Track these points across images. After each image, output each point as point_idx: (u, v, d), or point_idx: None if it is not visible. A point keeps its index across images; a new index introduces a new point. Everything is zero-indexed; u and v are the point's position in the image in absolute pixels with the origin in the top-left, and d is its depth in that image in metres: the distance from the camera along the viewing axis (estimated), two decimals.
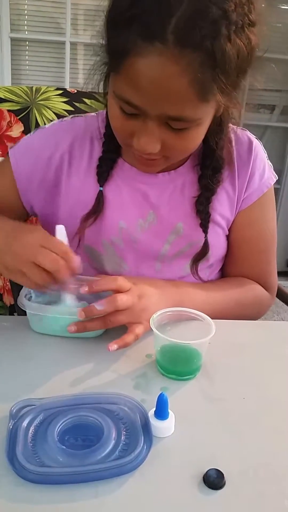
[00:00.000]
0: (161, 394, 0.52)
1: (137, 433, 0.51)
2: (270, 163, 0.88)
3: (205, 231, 0.82)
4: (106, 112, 0.80)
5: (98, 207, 0.81)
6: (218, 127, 0.75)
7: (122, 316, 0.66)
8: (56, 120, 0.88)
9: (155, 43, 0.56)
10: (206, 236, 0.83)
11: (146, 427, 0.52)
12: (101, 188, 0.82)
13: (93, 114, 0.88)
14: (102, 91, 0.73)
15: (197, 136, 0.69)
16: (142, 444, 0.49)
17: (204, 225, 0.82)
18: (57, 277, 0.62)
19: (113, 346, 0.64)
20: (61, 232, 0.68)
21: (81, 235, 0.83)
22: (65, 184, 0.83)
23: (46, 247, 0.63)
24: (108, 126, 0.80)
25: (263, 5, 0.61)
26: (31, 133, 0.87)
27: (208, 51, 0.56)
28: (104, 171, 0.81)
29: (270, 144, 2.94)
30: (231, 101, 0.66)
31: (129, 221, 0.83)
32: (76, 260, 0.64)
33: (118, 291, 0.67)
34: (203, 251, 0.83)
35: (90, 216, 0.81)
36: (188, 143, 0.69)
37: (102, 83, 0.72)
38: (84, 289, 0.65)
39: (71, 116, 0.88)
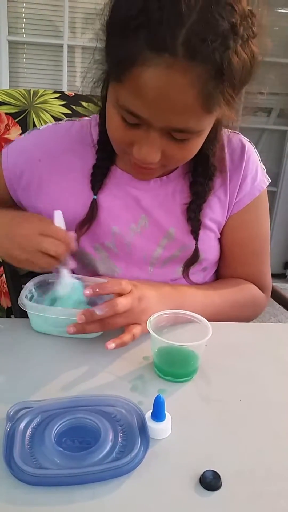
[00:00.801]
0: (158, 396, 0.52)
1: (134, 435, 0.51)
2: (263, 166, 0.88)
3: (195, 238, 0.83)
4: (100, 118, 0.80)
5: (92, 215, 0.81)
6: (212, 135, 0.75)
7: (121, 318, 0.67)
8: (51, 123, 0.88)
9: (164, 54, 0.55)
10: (196, 243, 0.83)
11: (143, 429, 0.52)
12: (95, 197, 0.81)
13: (87, 118, 0.87)
14: (99, 95, 0.73)
15: (197, 146, 0.69)
16: (139, 446, 0.49)
17: (195, 232, 0.82)
18: (61, 259, 0.69)
19: (111, 344, 0.64)
20: (59, 216, 0.73)
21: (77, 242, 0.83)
22: (53, 189, 0.83)
23: (47, 235, 0.68)
24: (102, 132, 0.79)
25: (264, 15, 0.61)
26: (26, 133, 0.87)
27: (216, 64, 0.55)
28: (98, 180, 0.81)
29: (267, 147, 2.95)
30: (232, 111, 0.65)
31: (121, 225, 0.83)
32: (73, 241, 0.70)
33: (120, 294, 0.67)
34: (194, 257, 0.84)
35: (84, 224, 0.82)
36: (188, 153, 0.69)
37: (98, 89, 0.72)
38: (88, 292, 0.65)
39: (65, 119, 0.88)
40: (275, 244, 0.86)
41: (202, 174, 0.80)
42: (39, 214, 0.78)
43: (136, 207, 0.82)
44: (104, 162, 0.81)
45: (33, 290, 0.77)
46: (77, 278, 0.77)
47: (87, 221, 0.82)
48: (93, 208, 0.81)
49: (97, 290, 0.66)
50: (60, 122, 0.88)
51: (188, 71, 0.55)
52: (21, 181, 0.84)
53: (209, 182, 0.81)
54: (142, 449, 0.49)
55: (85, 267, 0.86)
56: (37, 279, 0.78)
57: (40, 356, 0.68)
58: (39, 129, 0.87)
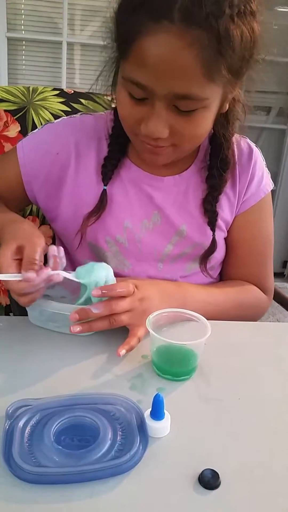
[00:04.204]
0: (157, 394, 0.52)
1: (133, 434, 0.51)
2: (268, 171, 0.91)
3: (212, 229, 0.85)
4: (113, 112, 0.82)
5: (101, 206, 0.82)
6: (225, 125, 0.78)
7: (125, 316, 0.67)
8: (65, 117, 0.89)
9: (162, 21, 0.58)
10: (214, 234, 0.85)
11: (142, 427, 0.52)
12: (105, 187, 0.82)
13: (102, 113, 0.88)
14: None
15: (204, 121, 0.69)
16: (138, 445, 0.49)
17: (212, 223, 0.84)
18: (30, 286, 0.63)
19: (122, 351, 0.65)
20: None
21: (83, 233, 0.84)
22: (70, 181, 0.84)
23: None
24: (114, 125, 0.82)
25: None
26: (39, 128, 0.87)
27: (213, 30, 0.58)
28: (108, 170, 0.82)
29: (266, 146, 2.95)
30: (235, 89, 0.69)
31: (134, 221, 0.84)
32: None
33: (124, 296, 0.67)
34: (211, 249, 0.86)
35: (92, 215, 0.82)
36: (196, 127, 0.69)
37: (111, 80, 0.74)
38: (96, 293, 0.65)
39: (80, 113, 0.89)
40: (274, 243, 0.86)
41: (217, 167, 0.82)
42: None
43: (149, 204, 0.84)
44: (115, 154, 0.83)
45: None
46: None
47: (96, 211, 0.82)
48: (103, 199, 0.82)
49: (105, 291, 0.66)
50: (74, 115, 0.88)
51: (185, 35, 0.58)
52: (39, 176, 0.84)
53: (224, 173, 0.83)
54: (141, 447, 0.49)
55: (97, 260, 0.87)
56: None
57: (39, 354, 0.68)
58: (53, 122, 0.87)
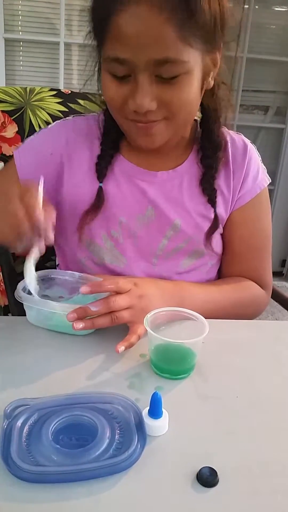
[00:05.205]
0: (155, 393, 0.52)
1: (131, 432, 0.51)
2: (264, 166, 0.91)
3: (213, 206, 0.86)
4: (105, 111, 0.83)
5: (98, 203, 0.83)
6: (213, 104, 0.81)
7: (126, 313, 0.68)
8: (57, 121, 0.90)
9: None
10: (215, 210, 0.86)
11: (140, 426, 0.52)
12: (101, 184, 0.83)
13: (94, 114, 0.89)
14: (97, 91, 0.76)
15: (189, 86, 0.70)
16: (136, 443, 0.49)
17: (212, 200, 0.85)
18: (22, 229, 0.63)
19: (121, 347, 0.65)
20: (41, 184, 0.68)
21: (81, 231, 0.84)
22: (66, 181, 0.85)
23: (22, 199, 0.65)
24: (106, 122, 0.83)
25: None
26: (36, 134, 0.88)
27: None
28: (103, 168, 0.83)
29: (264, 145, 2.95)
30: (215, 61, 0.73)
31: (128, 216, 0.84)
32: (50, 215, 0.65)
33: (117, 293, 0.68)
34: (214, 225, 0.86)
35: (90, 212, 0.83)
36: (182, 93, 0.70)
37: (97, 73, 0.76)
38: (85, 290, 0.66)
39: (72, 115, 0.90)
40: (272, 241, 0.87)
41: (210, 148, 0.84)
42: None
43: (143, 199, 0.84)
44: (108, 151, 0.84)
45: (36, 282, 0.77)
46: (80, 277, 0.78)
47: (93, 209, 0.83)
48: (100, 196, 0.83)
49: (94, 288, 0.66)
50: (67, 118, 0.89)
51: (154, 2, 0.62)
52: (37, 178, 0.84)
53: (217, 153, 0.84)
54: (139, 446, 0.49)
55: (93, 257, 0.87)
56: (39, 273, 0.78)
57: (37, 354, 0.68)
58: (45, 128, 0.88)
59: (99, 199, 0.83)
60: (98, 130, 0.85)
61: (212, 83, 0.76)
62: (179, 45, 0.65)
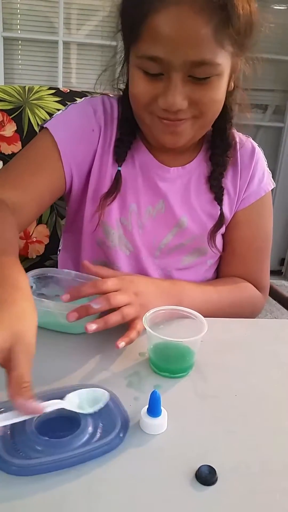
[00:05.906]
0: (153, 391, 0.52)
1: (112, 416, 0.52)
2: (269, 171, 0.93)
3: (220, 203, 0.86)
4: (123, 97, 0.83)
5: (117, 187, 0.83)
6: (226, 111, 0.81)
7: (131, 309, 0.67)
8: (84, 98, 0.87)
9: None
10: (221, 208, 0.87)
11: (118, 408, 0.53)
12: (119, 168, 0.83)
13: (103, 95, 0.87)
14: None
15: (219, 88, 0.72)
16: (120, 425, 0.51)
17: (219, 198, 0.86)
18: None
19: (121, 343, 0.64)
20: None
21: (101, 213, 0.84)
22: (97, 159, 0.84)
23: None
24: (123, 110, 0.83)
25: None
26: (64, 109, 0.85)
27: None
28: (122, 151, 0.83)
29: (263, 143, 2.93)
30: (238, 64, 0.74)
31: (139, 205, 0.85)
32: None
33: (105, 293, 0.66)
34: (220, 222, 0.87)
35: (109, 195, 0.83)
36: (213, 93, 0.71)
37: (120, 70, 0.79)
38: (65, 298, 0.64)
39: (90, 96, 0.90)
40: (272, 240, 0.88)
41: (221, 146, 0.85)
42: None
43: (156, 192, 0.85)
44: (126, 136, 0.84)
45: (32, 281, 0.77)
46: (76, 275, 0.78)
47: (112, 192, 0.83)
48: (118, 180, 0.83)
49: (74, 294, 0.65)
50: (93, 95, 0.89)
51: (194, 4, 0.63)
52: (77, 155, 0.82)
53: (227, 151, 0.85)
54: (122, 427, 0.51)
55: (105, 242, 0.87)
56: (36, 271, 0.78)
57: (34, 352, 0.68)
58: (76, 103, 0.86)
59: (118, 183, 0.83)
60: (116, 111, 0.85)
61: (233, 85, 0.77)
62: (214, 48, 0.66)
